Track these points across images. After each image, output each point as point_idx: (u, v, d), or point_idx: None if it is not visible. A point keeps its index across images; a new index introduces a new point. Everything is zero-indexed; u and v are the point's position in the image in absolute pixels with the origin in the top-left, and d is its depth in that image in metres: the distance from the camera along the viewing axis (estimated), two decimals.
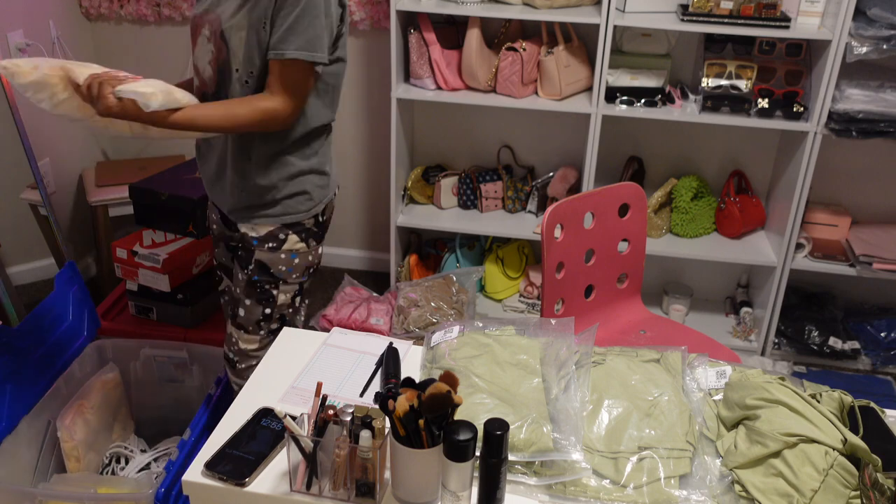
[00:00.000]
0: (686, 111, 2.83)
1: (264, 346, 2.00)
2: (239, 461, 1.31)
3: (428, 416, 1.18)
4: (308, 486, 1.26)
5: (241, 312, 1.98)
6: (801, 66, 2.79)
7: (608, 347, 1.61)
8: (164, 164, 3.12)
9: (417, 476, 1.22)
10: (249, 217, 1.91)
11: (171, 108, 1.69)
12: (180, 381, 2.45)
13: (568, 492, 1.26)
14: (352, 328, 2.69)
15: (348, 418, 1.24)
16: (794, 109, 2.74)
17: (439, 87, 2.95)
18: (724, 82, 2.78)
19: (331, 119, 1.92)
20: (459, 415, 1.22)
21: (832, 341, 3.03)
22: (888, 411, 1.45)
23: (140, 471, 2.30)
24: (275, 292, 1.95)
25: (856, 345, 3.04)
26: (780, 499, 1.23)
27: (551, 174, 3.17)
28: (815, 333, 3.04)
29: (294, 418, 1.26)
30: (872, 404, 1.40)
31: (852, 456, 1.25)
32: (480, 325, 1.66)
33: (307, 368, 1.61)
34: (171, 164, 2.93)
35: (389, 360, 1.59)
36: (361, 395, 1.53)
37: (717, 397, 1.48)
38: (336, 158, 1.86)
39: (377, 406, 1.23)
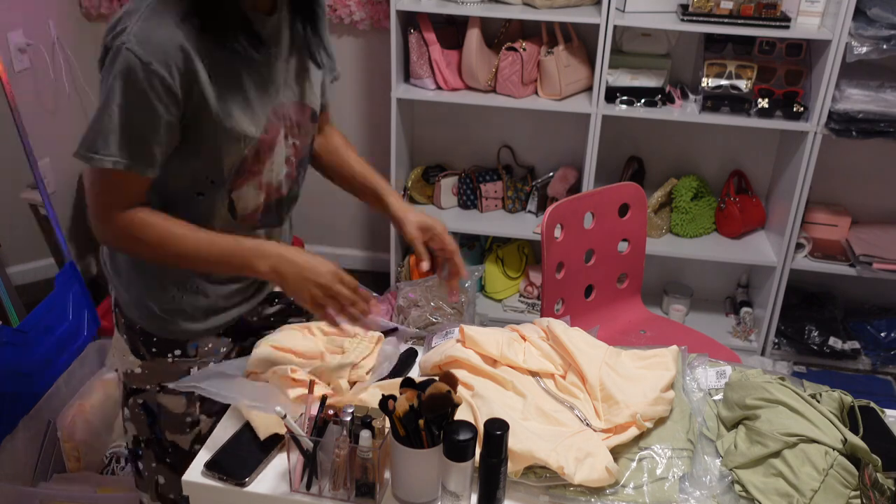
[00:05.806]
0: (686, 111, 2.83)
1: None
2: (239, 461, 1.31)
3: (428, 416, 1.18)
4: (308, 486, 1.26)
5: None
6: (801, 66, 2.79)
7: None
8: None
9: (417, 476, 1.22)
10: None
11: None
12: None
13: (568, 492, 1.26)
14: None
15: (348, 418, 1.24)
16: (794, 109, 2.74)
17: (439, 87, 2.95)
18: (724, 82, 2.78)
19: None
20: (460, 415, 1.22)
21: (832, 341, 3.02)
22: (888, 411, 1.44)
23: None
24: None
25: (856, 345, 3.04)
26: (780, 499, 1.23)
27: (551, 174, 3.17)
28: (815, 333, 3.04)
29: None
30: (872, 404, 1.41)
31: (852, 456, 1.25)
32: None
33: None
34: None
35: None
36: None
37: (717, 397, 1.48)
38: None
39: (377, 406, 1.23)
